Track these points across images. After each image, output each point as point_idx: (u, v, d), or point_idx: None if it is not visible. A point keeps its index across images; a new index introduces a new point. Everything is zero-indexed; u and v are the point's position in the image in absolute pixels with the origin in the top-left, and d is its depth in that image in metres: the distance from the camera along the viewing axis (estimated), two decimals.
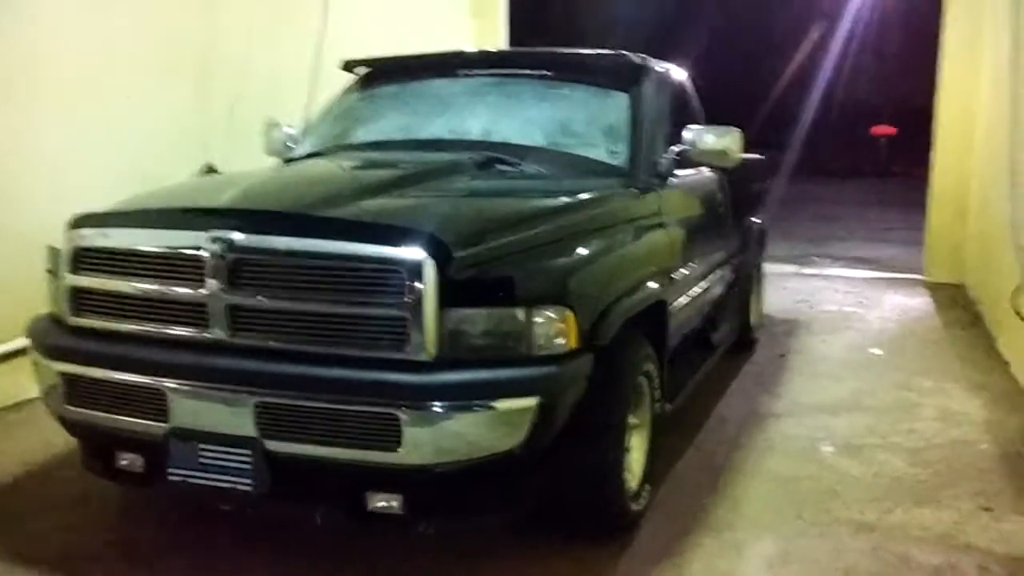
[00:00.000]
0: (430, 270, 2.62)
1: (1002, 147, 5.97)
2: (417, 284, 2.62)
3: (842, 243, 11.49)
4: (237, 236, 2.76)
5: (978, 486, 3.74)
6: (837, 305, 7.52)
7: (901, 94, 26.15)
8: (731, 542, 3.25)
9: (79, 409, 3.03)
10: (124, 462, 3.05)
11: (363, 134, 4.41)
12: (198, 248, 2.79)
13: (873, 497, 3.63)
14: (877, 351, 5.99)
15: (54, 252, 3.13)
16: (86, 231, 3.03)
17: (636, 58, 4.31)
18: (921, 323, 6.83)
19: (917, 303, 7.55)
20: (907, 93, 24.40)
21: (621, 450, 3.14)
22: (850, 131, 26.67)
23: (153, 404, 2.85)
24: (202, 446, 2.80)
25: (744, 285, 5.69)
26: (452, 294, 2.65)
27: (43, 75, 4.74)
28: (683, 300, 4.05)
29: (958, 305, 7.39)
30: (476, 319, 2.68)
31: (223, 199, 3.04)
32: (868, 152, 25.76)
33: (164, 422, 2.84)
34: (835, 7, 25.12)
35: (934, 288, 8.10)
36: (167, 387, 2.82)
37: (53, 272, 3.16)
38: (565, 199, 3.38)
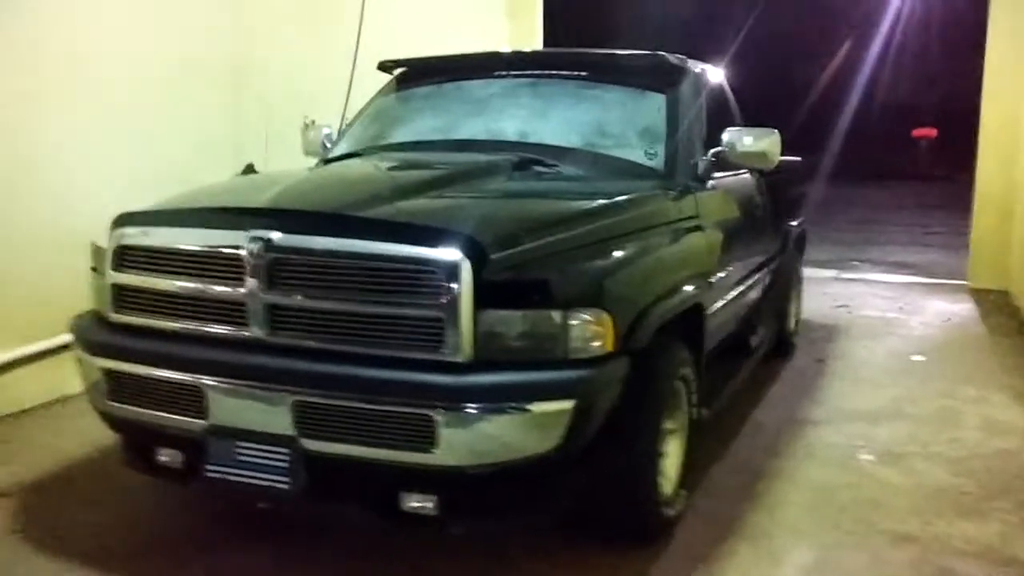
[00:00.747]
0: (466, 271, 2.62)
1: None
2: (453, 285, 2.61)
3: (882, 247, 11.34)
4: (276, 236, 2.78)
5: (1023, 497, 3.65)
6: (878, 310, 7.41)
7: (942, 96, 25.79)
8: (767, 550, 3.20)
9: (120, 405, 3.08)
10: (163, 458, 3.08)
11: (399, 134, 4.43)
12: (237, 247, 2.82)
13: (914, 507, 3.57)
14: (919, 358, 5.89)
15: (98, 250, 3.18)
16: (129, 229, 3.08)
17: (673, 59, 4.27)
18: (964, 330, 6.71)
19: (960, 309, 7.41)
20: (948, 95, 24.07)
21: (656, 454, 3.12)
22: (890, 133, 26.34)
23: (192, 401, 2.88)
24: (240, 443, 2.82)
25: (783, 289, 5.62)
26: (488, 295, 2.64)
27: (79, 76, 4.81)
28: (721, 304, 4.00)
29: (1002, 312, 7.25)
30: (512, 321, 2.67)
31: (262, 199, 3.06)
32: (908, 155, 25.41)
33: (203, 419, 2.87)
34: (876, 7, 24.81)
35: (978, 294, 7.96)
36: (206, 384, 2.84)
37: (97, 269, 3.20)
38: (602, 201, 3.36)
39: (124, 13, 5.06)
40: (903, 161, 24.72)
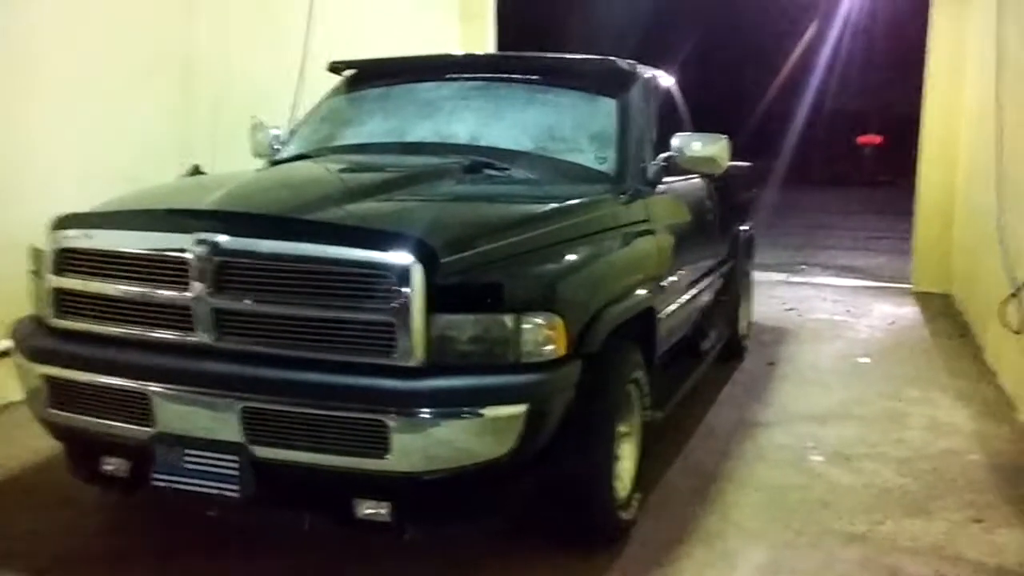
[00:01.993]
0: (417, 275, 2.59)
1: (987, 157, 6.00)
2: (404, 289, 2.58)
3: (830, 251, 11.55)
4: (222, 239, 2.72)
5: (968, 497, 3.73)
6: (826, 313, 7.54)
7: (886, 104, 26.39)
8: (721, 552, 3.22)
9: (62, 413, 2.99)
10: (109, 467, 3.01)
11: (350, 136, 4.37)
12: (183, 250, 2.75)
13: (863, 507, 3.62)
14: (865, 360, 5.99)
15: (37, 253, 3.08)
16: (70, 232, 2.99)
17: (624, 64, 4.29)
18: (909, 332, 6.85)
19: (905, 312, 7.57)
20: (893, 103, 24.63)
21: (610, 458, 3.12)
22: (837, 140, 26.86)
23: (137, 408, 2.81)
24: (187, 451, 2.75)
25: (733, 293, 5.68)
26: (440, 299, 2.62)
27: (25, 77, 4.69)
28: (672, 307, 4.03)
29: (945, 315, 7.42)
30: (464, 325, 2.65)
31: (208, 201, 3.00)
32: (854, 161, 25.94)
33: (149, 427, 2.80)
34: (822, 18, 25.28)
35: (921, 297, 8.13)
36: (151, 391, 2.77)
37: (36, 273, 3.11)
38: (553, 205, 3.36)
39: (70, 10, 4.94)
40: (849, 167, 25.23)
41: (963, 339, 6.52)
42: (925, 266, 8.43)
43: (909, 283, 8.61)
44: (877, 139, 26.19)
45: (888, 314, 7.48)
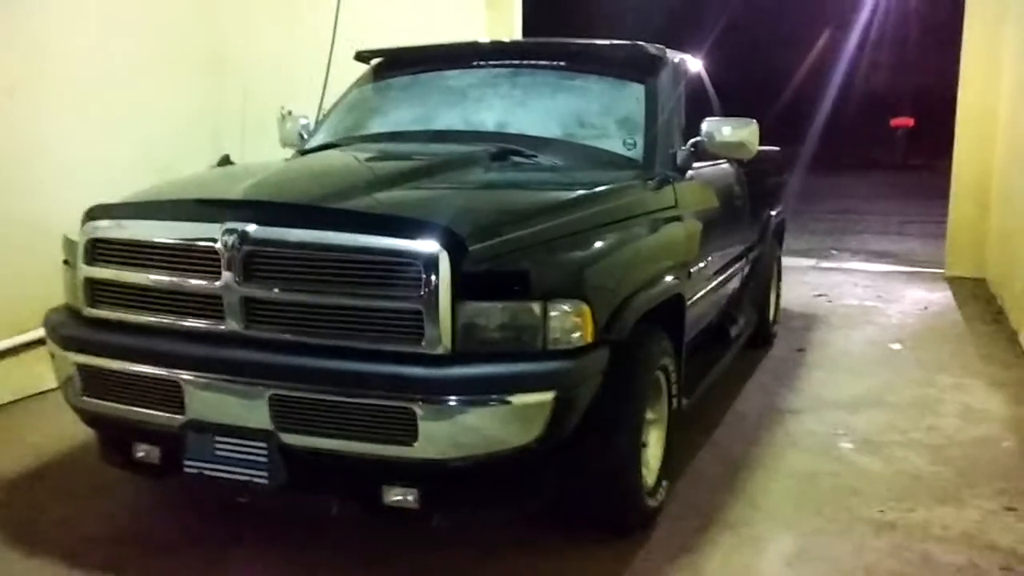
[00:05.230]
0: (445, 263, 2.60)
1: None
2: (432, 277, 2.59)
3: (860, 236, 11.41)
4: (251, 228, 2.75)
5: (1001, 485, 3.68)
6: (856, 299, 7.46)
7: (919, 85, 25.99)
8: (749, 539, 3.21)
9: (95, 400, 3.04)
10: (141, 453, 3.05)
11: (377, 125, 4.39)
12: (213, 240, 2.78)
13: (894, 495, 3.59)
14: (897, 346, 5.93)
15: (70, 243, 3.14)
16: (101, 222, 3.03)
17: (652, 49, 4.25)
18: (942, 318, 6.76)
19: (937, 297, 7.47)
20: (926, 84, 24.26)
21: (638, 445, 3.11)
22: (868, 123, 26.48)
23: (169, 396, 2.85)
24: (218, 438, 2.79)
25: (762, 278, 5.64)
26: (467, 287, 2.62)
27: (53, 68, 4.74)
28: (700, 293, 4.00)
29: (980, 300, 7.31)
30: (491, 312, 2.65)
31: (237, 191, 3.02)
32: (886, 144, 25.57)
33: (180, 414, 2.84)
34: None
35: (955, 282, 8.02)
36: (183, 379, 2.81)
37: (69, 263, 3.16)
38: (581, 192, 3.34)
39: (101, 5, 4.99)
40: (881, 150, 24.88)
41: (997, 325, 6.43)
42: (959, 250, 8.29)
43: (942, 268, 8.49)
44: (910, 121, 25.78)
45: (920, 299, 7.39)
